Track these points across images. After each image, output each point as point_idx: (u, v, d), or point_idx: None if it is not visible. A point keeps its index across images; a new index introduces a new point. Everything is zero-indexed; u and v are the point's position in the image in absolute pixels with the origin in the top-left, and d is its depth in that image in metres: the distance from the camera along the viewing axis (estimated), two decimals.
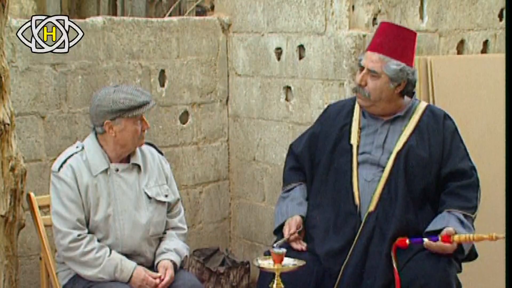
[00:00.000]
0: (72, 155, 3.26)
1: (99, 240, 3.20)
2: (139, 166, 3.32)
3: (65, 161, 3.23)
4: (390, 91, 3.28)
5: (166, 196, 3.36)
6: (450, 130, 3.32)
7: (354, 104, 3.42)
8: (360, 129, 3.36)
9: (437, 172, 3.26)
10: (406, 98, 3.36)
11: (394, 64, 3.25)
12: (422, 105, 3.39)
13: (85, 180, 3.20)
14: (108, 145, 3.26)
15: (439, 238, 3.08)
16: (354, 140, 3.34)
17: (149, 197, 3.30)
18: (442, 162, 3.26)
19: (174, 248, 3.33)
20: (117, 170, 3.26)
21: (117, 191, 3.25)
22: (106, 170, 3.24)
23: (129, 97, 3.18)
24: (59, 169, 3.22)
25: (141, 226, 3.27)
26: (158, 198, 3.33)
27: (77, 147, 3.30)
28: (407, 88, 3.31)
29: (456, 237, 3.07)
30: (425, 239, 3.10)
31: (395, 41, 3.29)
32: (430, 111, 3.36)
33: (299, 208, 3.38)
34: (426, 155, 3.26)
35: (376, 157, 3.29)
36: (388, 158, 3.26)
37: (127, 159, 3.31)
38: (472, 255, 3.30)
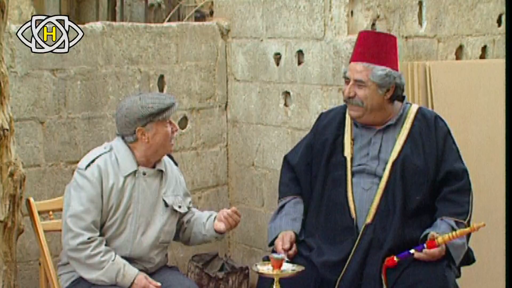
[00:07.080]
0: (100, 155, 3.24)
1: (107, 243, 3.18)
2: (162, 173, 3.32)
3: (93, 161, 3.21)
4: (380, 98, 3.27)
5: (180, 207, 3.37)
6: (443, 132, 3.32)
7: (345, 113, 3.41)
8: (353, 140, 3.35)
9: (433, 180, 3.25)
10: (397, 103, 3.36)
11: (380, 70, 3.24)
12: (414, 108, 3.37)
13: (110, 182, 3.18)
14: (139, 152, 3.25)
15: (425, 246, 3.06)
16: (347, 153, 3.33)
17: (167, 205, 3.31)
18: (437, 168, 3.25)
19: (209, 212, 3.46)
20: (144, 173, 3.26)
21: (140, 195, 3.24)
22: (134, 172, 3.24)
23: (156, 101, 3.20)
24: (86, 168, 3.20)
25: (153, 232, 3.27)
26: (174, 207, 3.34)
27: (105, 147, 3.28)
28: (396, 92, 3.30)
29: (440, 239, 3.05)
30: (412, 251, 3.08)
31: (377, 47, 3.27)
32: (421, 114, 3.34)
33: (293, 223, 3.36)
34: (422, 163, 3.25)
35: (373, 168, 3.28)
36: (384, 169, 3.25)
37: (152, 165, 3.32)
38: (471, 260, 3.30)
